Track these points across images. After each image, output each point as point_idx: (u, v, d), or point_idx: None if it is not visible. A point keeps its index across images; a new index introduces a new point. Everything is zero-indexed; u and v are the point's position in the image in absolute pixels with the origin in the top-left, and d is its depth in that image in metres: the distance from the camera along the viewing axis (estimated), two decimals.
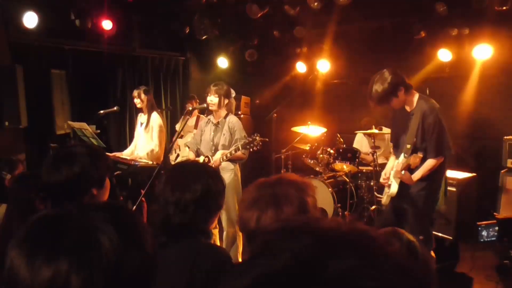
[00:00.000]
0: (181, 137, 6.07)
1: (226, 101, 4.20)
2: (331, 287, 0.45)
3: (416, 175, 3.33)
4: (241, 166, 4.32)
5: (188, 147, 4.53)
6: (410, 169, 3.34)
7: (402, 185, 3.38)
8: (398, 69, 3.39)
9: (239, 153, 4.00)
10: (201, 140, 4.36)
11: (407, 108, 3.41)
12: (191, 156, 4.40)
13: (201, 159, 4.25)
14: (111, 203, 0.88)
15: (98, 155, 1.78)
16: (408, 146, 3.36)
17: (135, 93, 5.07)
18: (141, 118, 5.20)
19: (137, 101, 5.06)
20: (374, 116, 6.02)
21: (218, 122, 4.23)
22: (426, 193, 3.34)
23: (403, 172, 3.30)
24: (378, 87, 3.25)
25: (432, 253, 3.38)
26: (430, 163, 3.26)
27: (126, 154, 5.15)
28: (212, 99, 4.14)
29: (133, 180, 4.86)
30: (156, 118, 5.07)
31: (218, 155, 4.03)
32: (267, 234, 0.54)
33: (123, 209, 0.90)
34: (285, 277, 0.46)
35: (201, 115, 5.87)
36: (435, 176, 3.31)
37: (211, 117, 4.33)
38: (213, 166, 4.09)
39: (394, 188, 3.44)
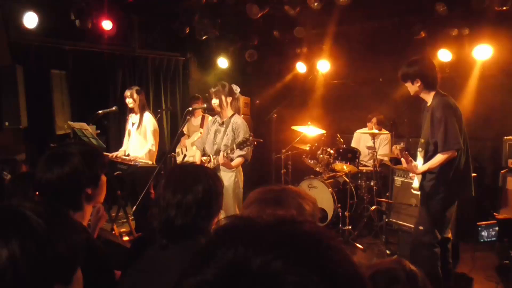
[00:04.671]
0: (188, 137, 6.07)
1: (230, 99, 4.22)
2: None
3: (422, 167, 3.39)
4: (243, 168, 4.32)
5: (196, 146, 4.55)
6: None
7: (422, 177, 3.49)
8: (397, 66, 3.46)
9: (238, 153, 4.00)
10: (207, 139, 4.39)
11: (428, 104, 3.47)
12: (198, 155, 4.42)
13: (203, 158, 4.28)
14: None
15: (93, 154, 1.76)
16: (422, 140, 3.46)
17: (128, 93, 5.03)
18: (133, 118, 5.16)
19: (129, 101, 5.02)
20: (380, 116, 6.04)
21: (223, 122, 4.24)
22: (432, 185, 3.36)
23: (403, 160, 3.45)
24: (407, 65, 3.44)
25: (438, 251, 3.40)
26: (437, 157, 3.29)
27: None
28: (214, 101, 4.19)
29: (133, 180, 4.86)
30: (150, 118, 5.06)
31: (221, 154, 4.04)
32: (206, 241, 0.56)
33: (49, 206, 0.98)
34: (213, 286, 0.48)
35: (206, 115, 5.87)
36: (444, 171, 3.30)
37: (217, 116, 4.35)
38: (214, 165, 4.11)
39: (415, 182, 3.57)
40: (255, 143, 3.91)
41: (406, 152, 3.48)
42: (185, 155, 5.94)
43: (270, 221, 0.54)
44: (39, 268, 0.82)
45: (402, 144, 3.58)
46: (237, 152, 3.99)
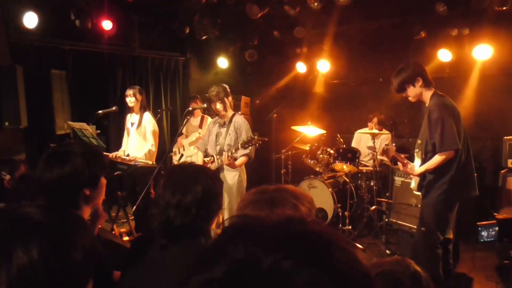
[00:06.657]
0: (186, 137, 6.06)
1: (229, 98, 4.28)
2: None
3: (420, 169, 3.38)
4: (246, 167, 4.33)
5: (198, 148, 4.57)
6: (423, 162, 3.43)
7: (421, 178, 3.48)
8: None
9: (242, 152, 4.01)
10: (209, 140, 4.40)
11: (426, 104, 3.45)
12: (200, 156, 4.43)
13: (205, 159, 4.29)
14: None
15: (94, 155, 1.75)
16: (419, 141, 3.46)
17: (131, 91, 5.00)
18: (132, 118, 5.13)
19: (131, 99, 4.98)
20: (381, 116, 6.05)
21: (224, 123, 4.26)
22: (433, 186, 3.35)
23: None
24: (399, 73, 3.39)
25: (440, 252, 3.39)
26: (435, 158, 3.27)
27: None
28: (218, 106, 4.21)
29: (133, 180, 4.86)
30: (149, 118, 5.04)
31: (225, 154, 4.05)
32: (212, 240, 0.56)
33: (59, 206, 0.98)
34: (223, 283, 0.48)
35: (206, 115, 5.87)
36: (444, 172, 3.29)
37: (218, 117, 4.37)
38: (218, 165, 4.12)
39: (413, 183, 3.58)
40: (260, 142, 3.92)
41: (401, 155, 3.47)
42: (182, 155, 5.94)
43: (279, 220, 0.54)
44: (57, 275, 0.81)
45: (393, 145, 3.58)
46: (241, 151, 4.01)
